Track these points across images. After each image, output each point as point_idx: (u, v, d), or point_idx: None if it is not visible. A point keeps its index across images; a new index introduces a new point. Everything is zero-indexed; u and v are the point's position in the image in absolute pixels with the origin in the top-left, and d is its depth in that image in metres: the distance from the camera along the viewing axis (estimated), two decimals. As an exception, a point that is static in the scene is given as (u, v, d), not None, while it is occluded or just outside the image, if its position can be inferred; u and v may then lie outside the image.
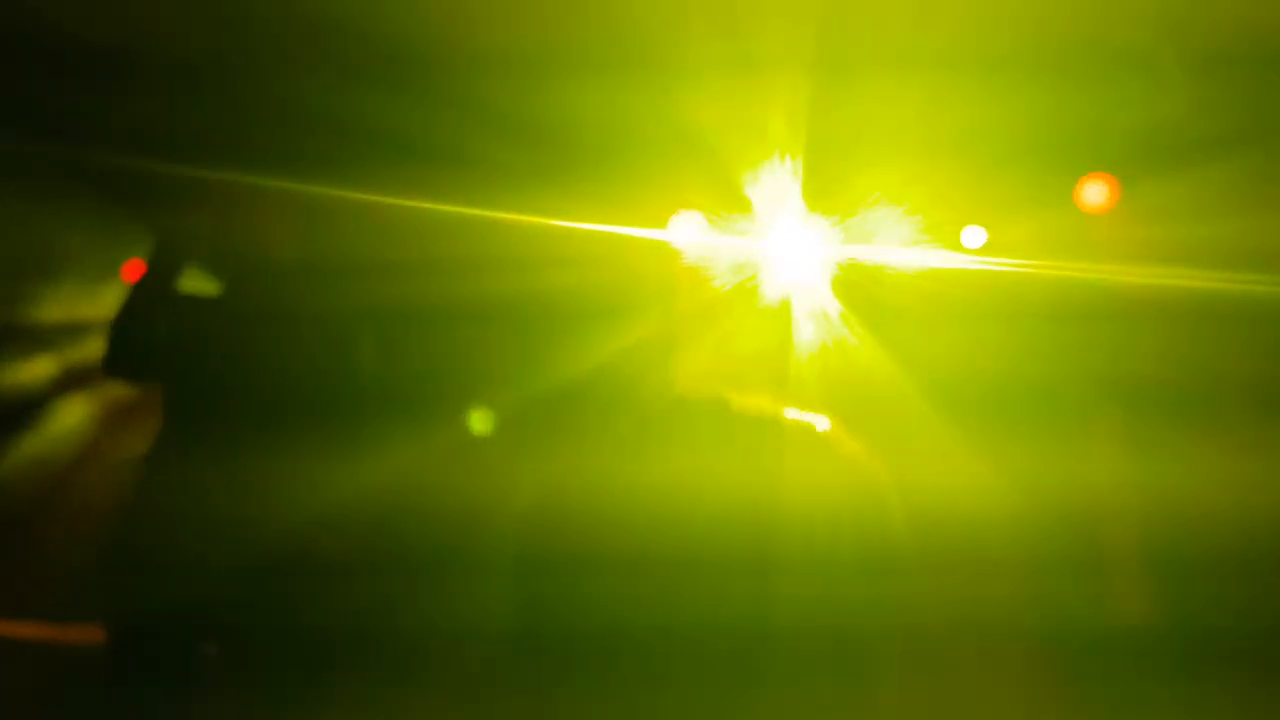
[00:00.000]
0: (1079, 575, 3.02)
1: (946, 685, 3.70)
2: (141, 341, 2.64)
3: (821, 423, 0.75)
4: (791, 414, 0.74)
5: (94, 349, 2.71)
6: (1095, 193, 4.34)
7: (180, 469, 2.54)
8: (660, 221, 4.50)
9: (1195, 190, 3.98)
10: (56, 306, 4.77)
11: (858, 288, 4.46)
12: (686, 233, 4.56)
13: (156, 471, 2.59)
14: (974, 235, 4.43)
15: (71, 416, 4.66)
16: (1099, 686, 2.95)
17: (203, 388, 2.62)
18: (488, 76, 3.74)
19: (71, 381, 4.72)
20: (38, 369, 4.76)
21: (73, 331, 4.76)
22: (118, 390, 4.61)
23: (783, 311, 4.58)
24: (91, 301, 4.85)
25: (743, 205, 4.42)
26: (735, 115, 4.08)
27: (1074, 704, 3.04)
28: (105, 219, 4.42)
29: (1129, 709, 2.87)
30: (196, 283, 2.71)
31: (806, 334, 4.51)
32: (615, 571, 0.61)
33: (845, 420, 4.22)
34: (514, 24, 3.60)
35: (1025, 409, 3.19)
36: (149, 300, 2.69)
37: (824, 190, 4.40)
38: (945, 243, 4.35)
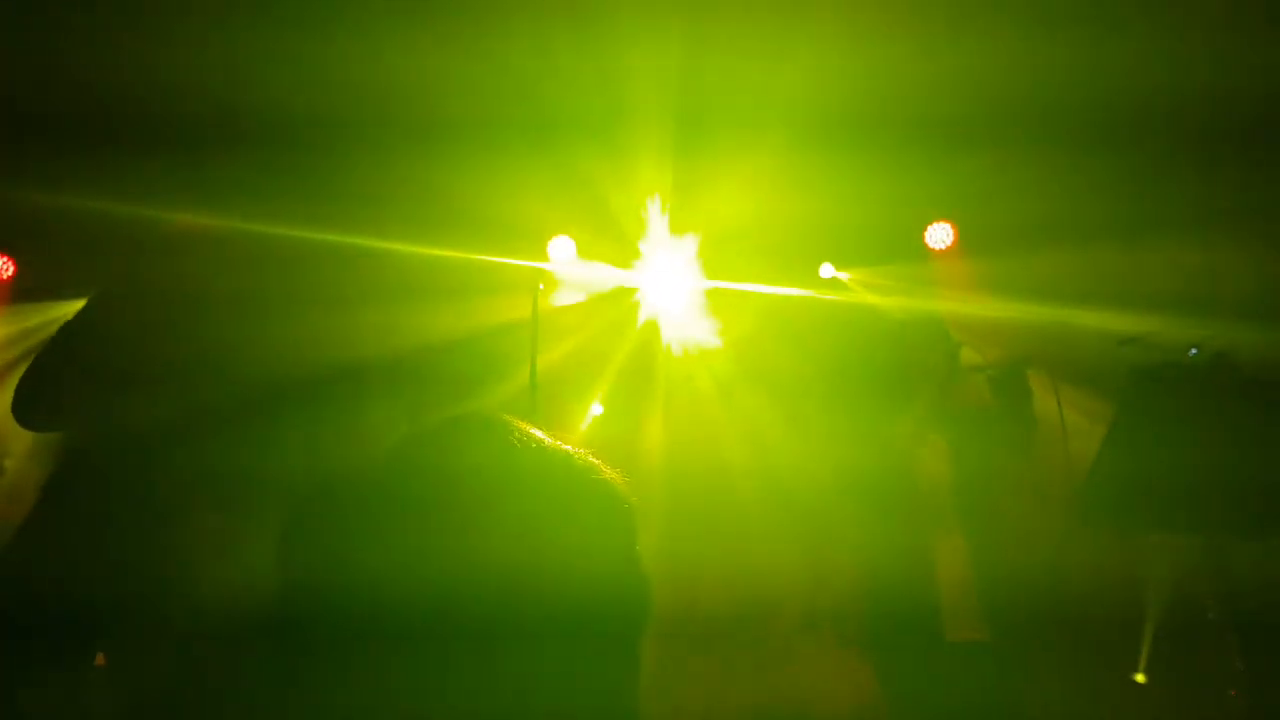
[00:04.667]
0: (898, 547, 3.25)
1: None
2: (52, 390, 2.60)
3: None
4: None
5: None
6: (939, 235, 4.69)
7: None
8: (534, 249, 4.69)
9: (1024, 232, 4.33)
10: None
11: (720, 313, 4.72)
12: (559, 259, 4.75)
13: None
14: (824, 267, 4.74)
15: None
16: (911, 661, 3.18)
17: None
18: (371, 106, 3.88)
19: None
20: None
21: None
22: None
23: (649, 334, 4.80)
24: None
25: (615, 235, 4.63)
26: (608, 153, 4.27)
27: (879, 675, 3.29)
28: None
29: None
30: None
31: (671, 353, 4.75)
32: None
33: (704, 428, 4.47)
34: (399, 61, 3.74)
35: (866, 418, 3.44)
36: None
37: (691, 224, 4.65)
38: (801, 276, 4.64)
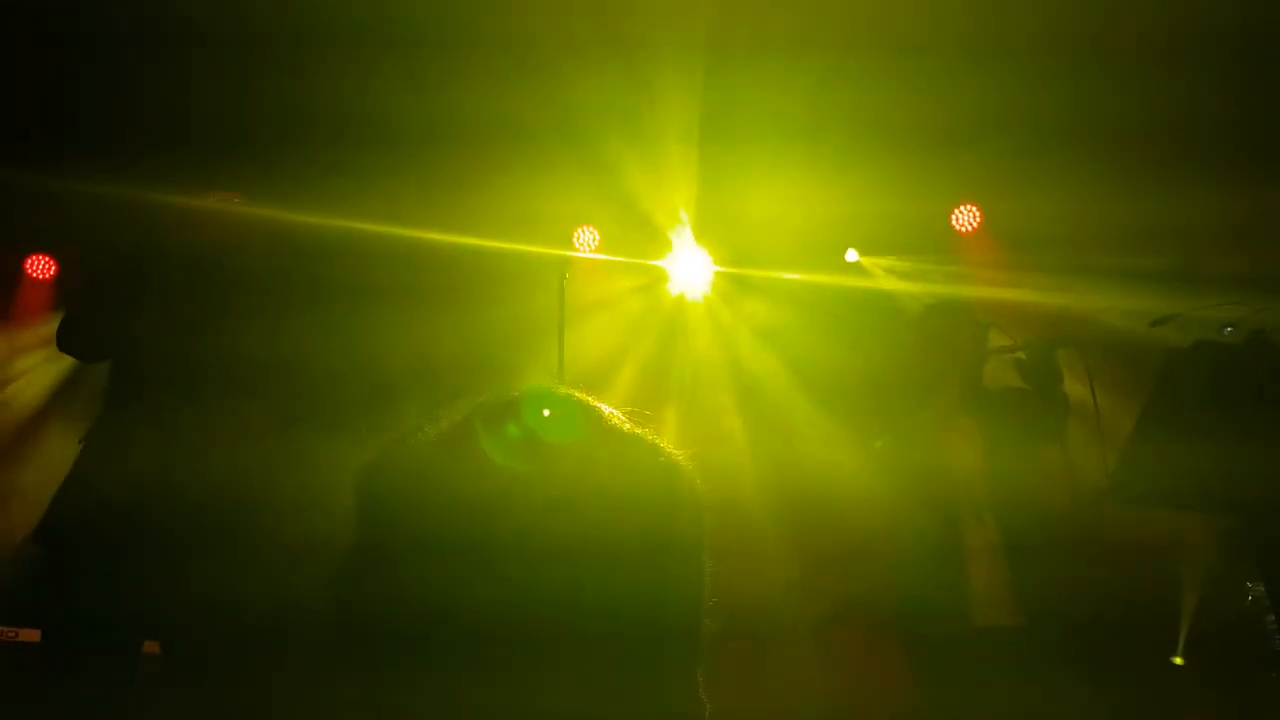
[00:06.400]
0: (935, 552, 3.23)
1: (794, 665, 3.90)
2: (97, 321, 2.65)
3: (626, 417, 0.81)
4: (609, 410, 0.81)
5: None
6: (963, 217, 4.65)
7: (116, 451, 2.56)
8: (560, 237, 4.73)
9: (1056, 214, 4.27)
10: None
11: (745, 301, 4.71)
12: (584, 247, 4.76)
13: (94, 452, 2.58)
14: (849, 252, 4.72)
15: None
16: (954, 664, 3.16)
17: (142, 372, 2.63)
18: (395, 96, 3.89)
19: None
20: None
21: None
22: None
23: (675, 321, 4.80)
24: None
25: (639, 224, 4.63)
26: (632, 141, 4.25)
27: (922, 678, 3.27)
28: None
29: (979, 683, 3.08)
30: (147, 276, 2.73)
31: (696, 340, 4.75)
32: (440, 558, 0.69)
33: (730, 416, 4.46)
34: (421, 46, 3.75)
35: (893, 407, 3.42)
36: (107, 285, 2.71)
37: (713, 210, 4.64)
38: (826, 261, 4.62)
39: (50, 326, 3.88)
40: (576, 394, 0.91)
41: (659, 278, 4.85)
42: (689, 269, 4.78)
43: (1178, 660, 4.00)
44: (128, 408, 2.56)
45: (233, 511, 2.45)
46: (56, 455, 2.78)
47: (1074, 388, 3.69)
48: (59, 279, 5.07)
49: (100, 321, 2.62)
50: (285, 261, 2.86)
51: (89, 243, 4.38)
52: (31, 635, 3.12)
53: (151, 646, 2.61)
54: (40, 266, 5.06)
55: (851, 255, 4.72)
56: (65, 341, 2.67)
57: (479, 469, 0.83)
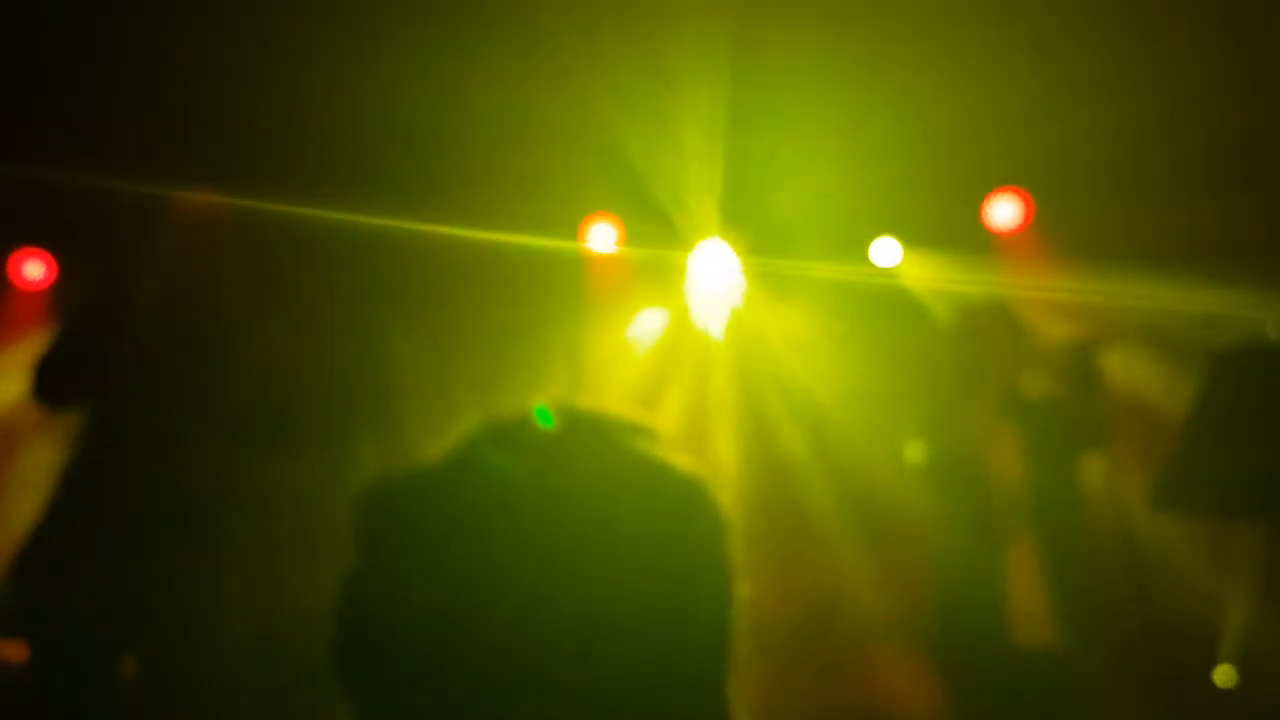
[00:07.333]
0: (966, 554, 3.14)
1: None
2: (70, 368, 2.60)
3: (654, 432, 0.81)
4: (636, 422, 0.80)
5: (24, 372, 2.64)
6: (1004, 211, 4.51)
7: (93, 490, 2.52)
8: (576, 231, 4.60)
9: (1100, 210, 4.14)
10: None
11: (771, 301, 4.60)
12: (601, 242, 4.65)
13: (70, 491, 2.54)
14: (881, 249, 4.59)
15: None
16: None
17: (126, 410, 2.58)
18: (407, 90, 3.79)
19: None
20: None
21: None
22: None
23: (697, 318, 4.69)
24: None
25: (659, 216, 4.51)
26: (653, 128, 4.11)
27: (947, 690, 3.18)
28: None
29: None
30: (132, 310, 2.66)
31: (719, 339, 4.64)
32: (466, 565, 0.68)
33: (756, 421, 4.37)
34: (434, 39, 3.65)
35: (926, 412, 3.34)
36: (82, 328, 2.65)
37: (740, 203, 4.52)
38: (853, 256, 4.50)
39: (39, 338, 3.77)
40: (586, 407, 0.88)
41: (682, 273, 4.73)
42: (711, 268, 4.66)
43: (1223, 674, 3.90)
44: (100, 453, 2.50)
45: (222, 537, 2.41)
46: (39, 478, 2.74)
47: (1115, 393, 3.60)
48: (56, 286, 4.86)
49: (68, 372, 2.60)
50: (277, 263, 2.79)
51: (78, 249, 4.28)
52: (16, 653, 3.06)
53: (131, 664, 2.58)
54: (33, 272, 4.84)
55: (884, 254, 4.60)
56: (36, 390, 2.62)
57: (485, 487, 0.80)
